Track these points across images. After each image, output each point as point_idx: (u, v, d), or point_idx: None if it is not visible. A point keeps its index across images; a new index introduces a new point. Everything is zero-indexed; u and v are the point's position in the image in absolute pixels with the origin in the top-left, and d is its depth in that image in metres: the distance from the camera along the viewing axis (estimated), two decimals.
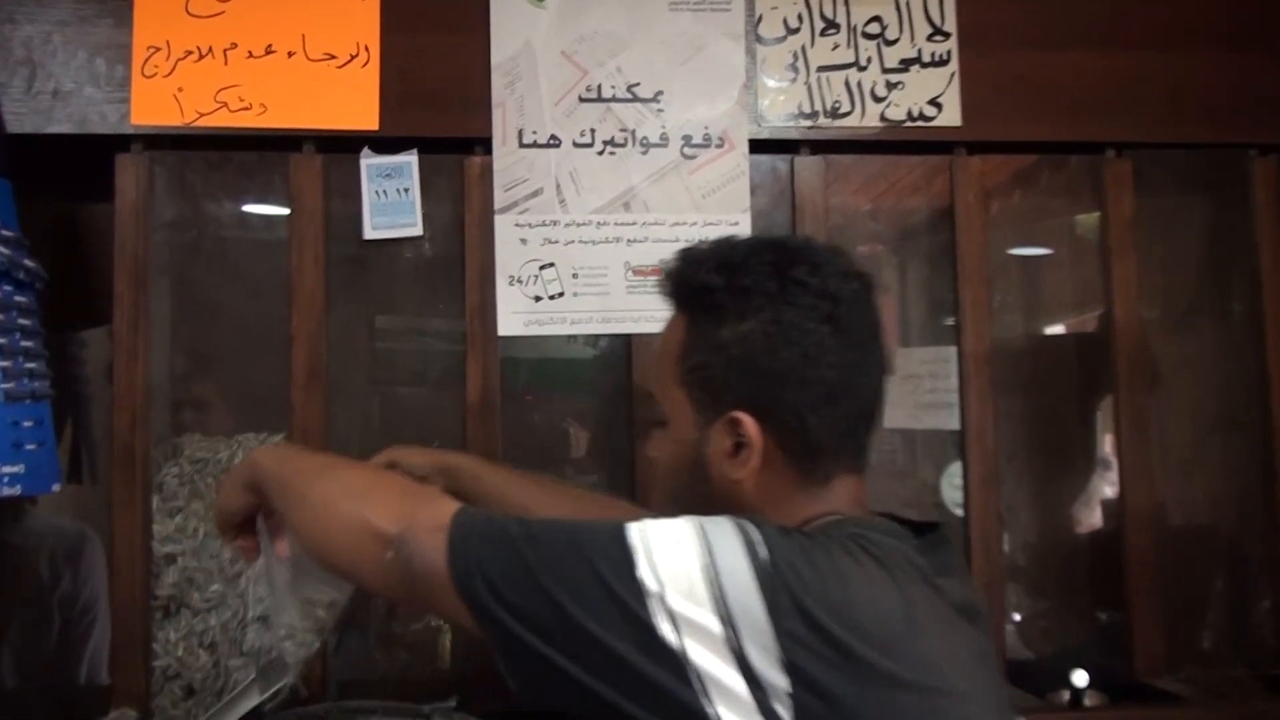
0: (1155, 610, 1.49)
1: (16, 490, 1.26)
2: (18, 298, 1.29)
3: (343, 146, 1.43)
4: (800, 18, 1.49)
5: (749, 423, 0.84)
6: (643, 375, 1.45)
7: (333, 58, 1.43)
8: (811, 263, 0.86)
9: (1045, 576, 1.62)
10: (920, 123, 1.50)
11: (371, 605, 1.43)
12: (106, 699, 1.34)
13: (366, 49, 1.43)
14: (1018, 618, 1.58)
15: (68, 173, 1.44)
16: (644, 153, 1.46)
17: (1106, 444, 1.59)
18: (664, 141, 1.47)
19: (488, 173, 1.44)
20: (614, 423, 1.49)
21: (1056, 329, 1.67)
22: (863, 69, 1.50)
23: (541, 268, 1.44)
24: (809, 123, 1.49)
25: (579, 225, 1.45)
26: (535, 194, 1.45)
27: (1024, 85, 1.52)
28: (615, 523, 0.77)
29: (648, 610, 0.72)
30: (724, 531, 0.74)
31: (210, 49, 1.41)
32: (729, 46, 1.48)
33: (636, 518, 0.78)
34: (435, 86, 1.44)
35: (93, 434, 1.54)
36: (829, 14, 1.50)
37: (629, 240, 1.46)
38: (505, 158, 1.45)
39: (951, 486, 1.53)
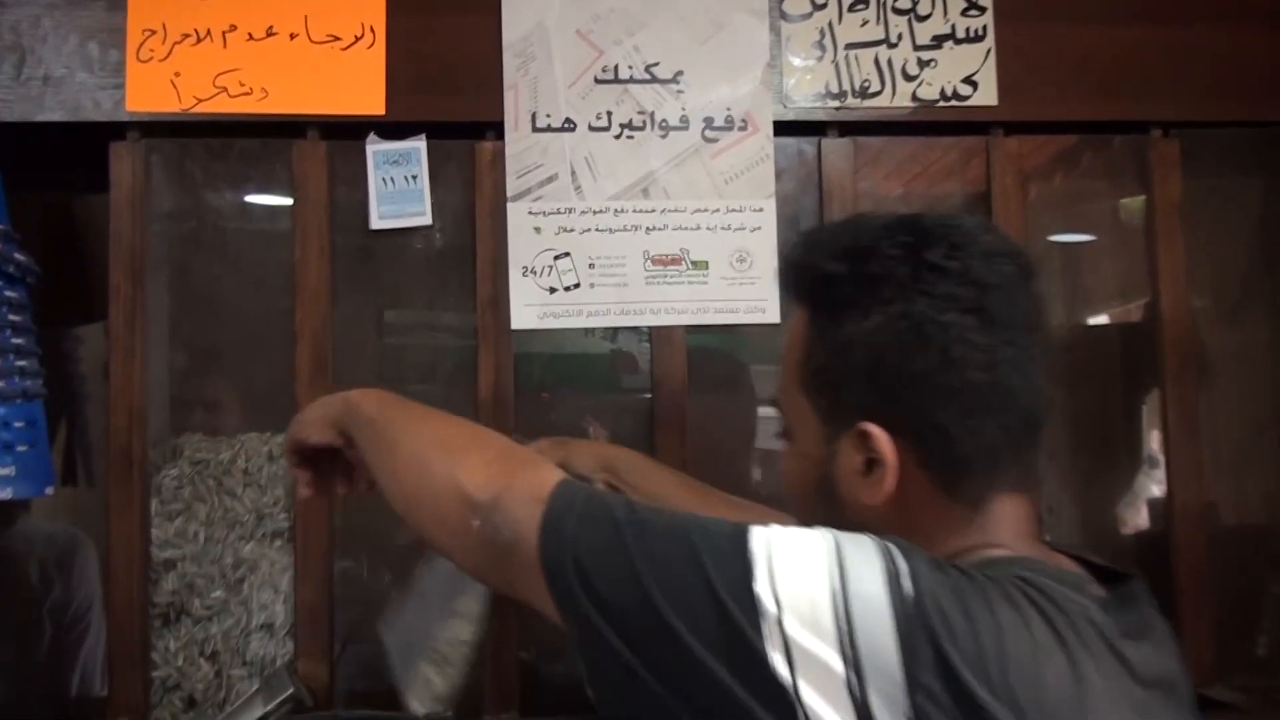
0: (1206, 615, 1.41)
1: (8, 494, 1.23)
2: (8, 293, 1.26)
3: (348, 132, 1.38)
4: None
5: (880, 436, 0.71)
6: (662, 370, 1.38)
7: (337, 39, 1.37)
8: (951, 243, 0.72)
9: None
10: (954, 102, 1.43)
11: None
12: (102, 711, 1.30)
13: (372, 30, 1.38)
14: None
15: (60, 162, 1.40)
16: (663, 136, 1.40)
17: (1153, 440, 1.52)
18: (684, 124, 1.40)
19: (500, 158, 1.38)
20: (634, 422, 1.43)
21: (1100, 319, 1.60)
22: (893, 46, 1.43)
23: (556, 258, 1.38)
24: (837, 103, 1.42)
25: (595, 213, 1.39)
26: (549, 180, 1.38)
27: (1064, 62, 1.44)
28: (739, 524, 0.67)
29: (759, 633, 0.61)
30: (865, 554, 0.63)
31: (208, 31, 1.36)
32: (752, 23, 1.41)
33: None
34: (444, 68, 1.38)
35: (88, 435, 1.50)
36: None
37: (648, 228, 1.39)
38: (518, 142, 1.38)
39: None
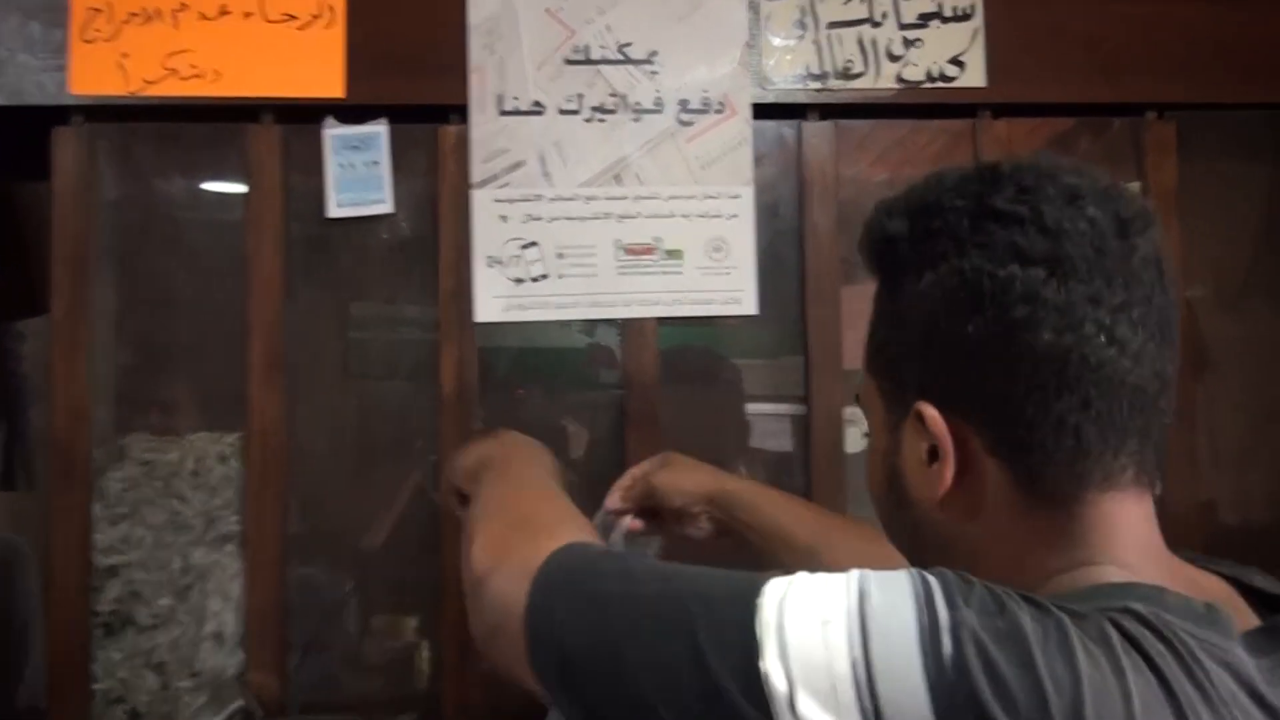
0: None
1: None
2: None
3: (305, 116, 1.31)
4: None
5: (934, 416, 0.60)
6: (633, 364, 1.32)
7: (293, 18, 1.31)
8: (1020, 185, 0.60)
9: None
10: (940, 84, 1.37)
11: (340, 621, 1.31)
12: None
13: (331, 8, 1.32)
14: None
15: (0, 149, 1.33)
16: (636, 120, 1.33)
17: None
18: (658, 107, 1.34)
19: (464, 143, 1.32)
20: (606, 419, 1.36)
21: None
22: (877, 25, 1.37)
23: (523, 247, 1.32)
24: (818, 85, 1.36)
25: (565, 200, 1.32)
26: (516, 166, 1.32)
27: (1055, 41, 1.38)
28: (751, 582, 0.56)
29: (769, 718, 0.51)
30: (895, 605, 0.52)
31: (158, 10, 1.30)
32: (730, 2, 1.35)
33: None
34: (406, 49, 1.32)
35: (30, 435, 1.43)
36: None
37: (620, 216, 1.33)
38: (483, 126, 1.32)
39: None
